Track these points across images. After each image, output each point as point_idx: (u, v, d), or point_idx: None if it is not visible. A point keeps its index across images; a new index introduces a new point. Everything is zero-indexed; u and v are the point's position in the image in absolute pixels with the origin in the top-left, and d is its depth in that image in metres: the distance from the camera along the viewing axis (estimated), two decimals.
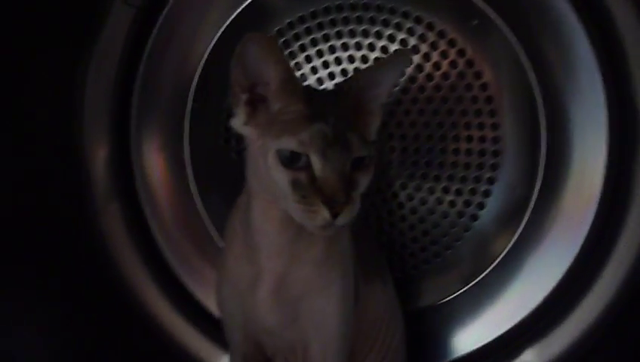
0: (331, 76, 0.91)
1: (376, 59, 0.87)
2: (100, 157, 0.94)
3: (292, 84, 0.56)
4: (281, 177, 0.54)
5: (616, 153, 0.83)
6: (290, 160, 0.54)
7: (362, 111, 0.58)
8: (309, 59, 0.91)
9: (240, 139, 0.95)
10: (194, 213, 0.97)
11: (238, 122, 0.58)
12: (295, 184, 0.53)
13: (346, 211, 0.52)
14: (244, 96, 0.57)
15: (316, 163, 0.53)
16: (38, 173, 0.86)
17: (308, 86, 0.84)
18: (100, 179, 0.95)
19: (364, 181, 0.55)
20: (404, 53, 0.72)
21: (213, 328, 0.96)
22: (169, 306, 0.95)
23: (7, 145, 0.81)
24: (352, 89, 0.58)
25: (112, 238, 0.94)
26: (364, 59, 0.89)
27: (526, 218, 0.89)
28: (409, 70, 0.87)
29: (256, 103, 0.57)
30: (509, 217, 0.90)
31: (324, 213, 0.52)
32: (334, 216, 0.52)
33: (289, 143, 0.53)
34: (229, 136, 0.96)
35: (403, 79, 0.86)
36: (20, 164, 0.82)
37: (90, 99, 0.93)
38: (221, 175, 0.96)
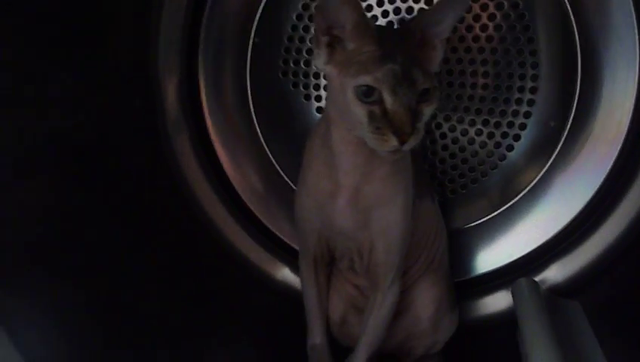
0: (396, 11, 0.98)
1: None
2: (171, 87, 1.04)
3: (364, 26, 0.65)
4: (358, 110, 0.64)
5: None
6: (365, 95, 0.63)
7: (426, 46, 0.67)
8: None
9: (295, 73, 1.04)
10: (254, 139, 1.07)
11: (319, 62, 0.67)
12: (370, 116, 0.63)
13: (412, 140, 0.62)
14: (324, 39, 0.66)
15: (388, 98, 0.63)
16: (116, 102, 0.95)
17: (378, 26, 0.92)
18: (172, 108, 1.04)
19: (428, 111, 0.65)
20: None
21: (271, 243, 1.08)
22: (234, 223, 1.07)
23: (91, 75, 0.89)
24: (417, 27, 0.67)
25: (183, 161, 1.05)
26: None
27: (557, 150, 0.99)
28: None
29: (334, 45, 0.66)
30: (542, 149, 1.00)
31: (394, 141, 0.62)
32: (402, 143, 0.62)
33: (366, 79, 0.63)
34: (286, 69, 1.05)
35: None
36: (99, 92, 0.91)
37: (163, 32, 1.01)
38: (278, 106, 1.06)
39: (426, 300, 0.83)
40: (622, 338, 0.84)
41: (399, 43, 0.64)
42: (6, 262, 0.61)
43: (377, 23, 0.97)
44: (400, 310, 0.82)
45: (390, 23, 0.97)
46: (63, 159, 0.73)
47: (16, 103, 0.66)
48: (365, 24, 0.64)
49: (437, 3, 0.83)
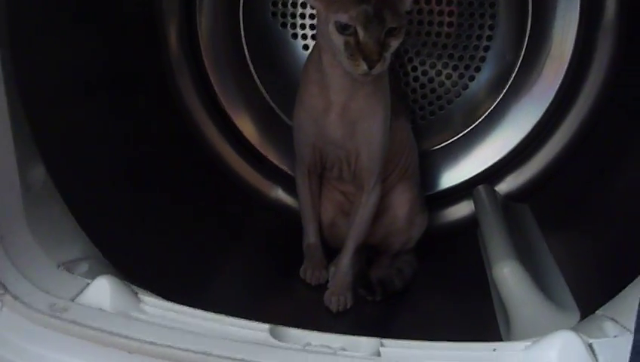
0: None
1: None
2: (172, 28, 1.16)
3: None
4: (336, 39, 0.79)
5: (583, 29, 1.09)
6: (343, 28, 0.78)
7: None
8: None
9: (284, 14, 1.18)
10: (247, 75, 1.21)
11: None
12: (346, 45, 0.78)
13: (378, 66, 0.77)
14: None
15: (360, 32, 0.78)
16: (127, 39, 1.07)
17: None
18: (173, 47, 1.17)
19: (394, 44, 0.80)
20: None
21: (265, 167, 1.23)
22: (232, 151, 1.22)
23: (103, 8, 1.00)
24: None
25: (185, 95, 1.18)
26: None
27: (511, 79, 1.16)
28: None
29: None
30: (498, 79, 1.17)
31: (364, 66, 0.77)
32: (370, 68, 0.77)
33: (342, 17, 0.77)
34: (275, 11, 1.18)
35: None
36: (111, 32, 1.01)
37: None
38: (268, 44, 1.19)
39: (402, 201, 1.00)
40: (560, 232, 1.03)
41: None
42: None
43: None
44: (380, 211, 0.99)
45: None
46: (96, 83, 0.86)
47: (59, 42, 0.79)
48: None
49: None
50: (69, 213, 0.67)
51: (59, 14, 0.79)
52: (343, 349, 0.55)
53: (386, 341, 0.55)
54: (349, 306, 0.92)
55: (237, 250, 1.09)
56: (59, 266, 0.60)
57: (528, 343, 0.55)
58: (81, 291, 0.57)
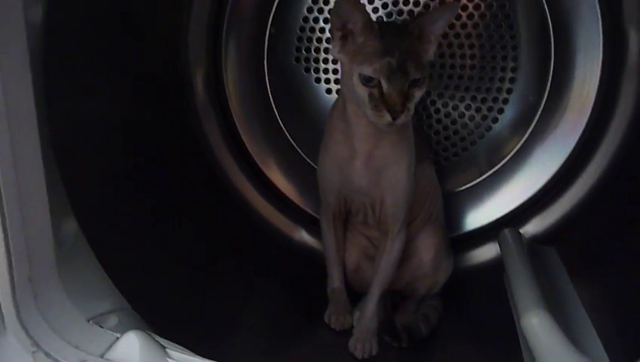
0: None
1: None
2: (199, 77, 1.18)
3: (370, 25, 0.80)
4: (361, 91, 0.80)
5: (606, 70, 1.08)
6: (367, 80, 0.79)
7: (423, 40, 0.83)
8: None
9: (307, 59, 1.20)
10: (272, 119, 1.23)
11: (334, 50, 0.83)
12: (370, 96, 0.80)
13: (402, 116, 0.78)
14: (338, 33, 0.82)
15: (384, 84, 0.79)
16: (155, 90, 1.10)
17: (382, 22, 1.07)
18: (200, 94, 1.20)
19: (417, 94, 0.81)
20: (455, 5, 0.97)
21: (289, 210, 1.24)
22: (257, 193, 1.23)
23: (133, 62, 1.03)
24: (416, 26, 0.82)
25: (212, 141, 1.21)
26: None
27: (535, 121, 1.16)
28: None
29: (346, 37, 0.82)
30: (522, 120, 1.17)
31: (388, 117, 0.78)
32: (394, 118, 0.78)
33: (367, 70, 0.79)
34: (299, 56, 1.20)
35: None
36: (144, 84, 1.05)
37: (192, 31, 1.16)
38: (292, 88, 1.21)
39: (428, 246, 1.00)
40: (589, 277, 1.01)
41: (399, 39, 0.80)
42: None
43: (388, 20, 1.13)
44: (406, 256, 0.98)
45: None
46: (127, 132, 0.88)
47: (92, 95, 0.82)
48: (371, 24, 0.80)
49: (434, 8, 1.00)
50: (99, 266, 0.68)
51: (91, 70, 0.82)
52: None
53: None
54: (374, 353, 0.92)
55: (261, 293, 1.09)
56: (89, 320, 0.61)
57: None
58: (110, 346, 0.58)
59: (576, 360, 0.75)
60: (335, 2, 0.80)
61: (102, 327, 0.62)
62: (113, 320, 0.65)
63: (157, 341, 0.60)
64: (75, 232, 0.67)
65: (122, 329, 0.62)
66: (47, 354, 0.54)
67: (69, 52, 0.72)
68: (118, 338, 0.60)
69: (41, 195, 0.59)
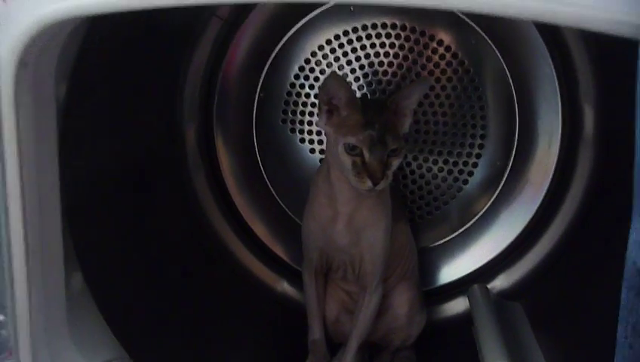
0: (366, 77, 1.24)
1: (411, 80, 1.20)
2: (191, 134, 1.26)
3: (353, 101, 0.90)
4: (345, 159, 0.89)
5: (565, 141, 1.20)
6: (351, 149, 0.89)
7: (399, 114, 0.94)
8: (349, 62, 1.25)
9: (293, 121, 1.29)
10: (259, 175, 1.31)
11: (321, 122, 0.92)
12: (353, 164, 0.89)
13: (382, 183, 0.87)
14: (325, 107, 0.91)
15: (366, 154, 0.88)
16: (150, 147, 1.17)
17: (363, 98, 1.16)
18: (192, 151, 1.27)
19: (395, 163, 0.90)
20: (427, 80, 1.08)
21: (273, 262, 1.31)
22: (242, 246, 1.30)
23: (130, 124, 1.10)
24: (393, 101, 0.93)
25: (201, 195, 1.28)
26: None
27: (502, 184, 1.26)
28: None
29: (332, 111, 0.92)
30: (490, 183, 1.27)
31: (369, 183, 0.87)
32: (375, 184, 0.87)
33: (351, 140, 0.88)
34: (285, 118, 1.30)
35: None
36: (141, 142, 1.11)
37: (187, 90, 1.24)
38: (278, 148, 1.30)
39: (403, 301, 1.07)
40: (551, 332, 1.09)
41: (378, 113, 0.90)
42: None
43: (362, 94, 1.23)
44: (382, 310, 1.06)
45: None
46: (121, 188, 0.95)
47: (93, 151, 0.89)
48: (354, 100, 0.90)
49: (407, 85, 1.10)
50: (101, 318, 0.74)
51: (96, 128, 0.89)
52: None
53: None
54: None
55: (244, 342, 1.14)
56: None
57: None
58: None
59: None
60: (323, 80, 0.90)
61: None
62: None
63: None
64: (81, 286, 0.73)
65: None
66: None
67: (83, 111, 0.79)
68: None
69: (58, 252, 0.65)
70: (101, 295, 0.75)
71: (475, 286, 1.15)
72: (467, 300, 1.17)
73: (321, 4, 1.17)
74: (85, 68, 0.71)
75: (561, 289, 1.17)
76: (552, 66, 1.18)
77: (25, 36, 0.52)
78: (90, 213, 0.82)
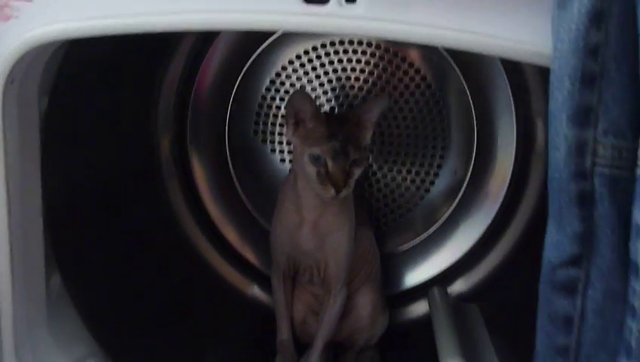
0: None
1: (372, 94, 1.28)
2: (165, 143, 1.32)
3: (318, 115, 0.97)
4: (309, 168, 0.96)
5: (520, 154, 1.28)
6: (315, 159, 0.95)
7: (360, 126, 1.00)
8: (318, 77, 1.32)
9: (264, 132, 1.35)
10: (230, 183, 1.37)
11: (288, 134, 0.98)
12: (318, 173, 0.95)
13: (344, 191, 0.94)
14: (291, 120, 0.98)
15: (329, 163, 0.94)
16: (126, 157, 1.22)
17: (326, 112, 1.23)
18: (165, 159, 1.32)
19: (357, 172, 0.97)
20: (386, 96, 1.16)
21: (244, 267, 1.37)
22: (214, 251, 1.35)
23: (107, 135, 1.15)
24: (355, 115, 1.00)
25: (174, 200, 1.33)
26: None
27: (461, 192, 1.34)
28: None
29: (298, 123, 0.98)
30: (451, 192, 1.34)
31: (332, 191, 0.94)
32: (337, 192, 0.94)
33: (315, 151, 0.94)
34: (257, 129, 1.36)
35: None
36: (114, 147, 1.15)
37: (160, 105, 1.29)
38: (250, 157, 1.36)
39: (365, 302, 1.14)
40: (505, 331, 1.17)
41: (341, 126, 0.97)
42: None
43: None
44: (346, 311, 1.12)
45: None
46: (98, 196, 1.00)
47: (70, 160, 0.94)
48: (319, 113, 0.97)
49: (368, 100, 1.18)
50: (77, 317, 0.79)
51: (80, 135, 0.94)
52: None
53: None
54: None
55: (215, 344, 1.19)
56: None
57: None
58: None
59: None
60: (290, 95, 0.97)
61: None
62: None
63: None
64: (59, 287, 0.78)
65: None
66: None
67: (63, 123, 0.84)
68: None
69: (39, 255, 0.70)
70: (78, 295, 0.80)
71: (435, 288, 1.22)
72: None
73: (272, 34, 1.24)
74: (64, 83, 0.76)
75: (514, 291, 1.25)
76: (507, 82, 1.26)
77: (13, 55, 0.57)
78: (68, 218, 0.86)
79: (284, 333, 1.12)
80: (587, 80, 0.48)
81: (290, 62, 1.28)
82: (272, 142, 1.34)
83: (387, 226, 1.35)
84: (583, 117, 0.49)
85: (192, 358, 1.08)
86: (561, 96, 0.49)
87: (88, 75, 0.85)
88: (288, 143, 1.32)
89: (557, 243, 0.51)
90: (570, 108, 0.49)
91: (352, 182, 0.94)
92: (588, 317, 0.50)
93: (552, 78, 0.51)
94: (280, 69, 1.29)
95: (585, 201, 0.49)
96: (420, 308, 1.33)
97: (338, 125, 0.95)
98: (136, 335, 0.92)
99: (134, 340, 0.90)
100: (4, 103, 0.59)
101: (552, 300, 0.52)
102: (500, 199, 1.31)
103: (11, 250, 0.62)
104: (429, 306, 1.20)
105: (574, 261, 0.50)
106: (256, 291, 1.35)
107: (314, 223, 1.01)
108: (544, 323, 0.53)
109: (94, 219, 0.94)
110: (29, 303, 0.68)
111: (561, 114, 0.49)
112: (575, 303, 0.50)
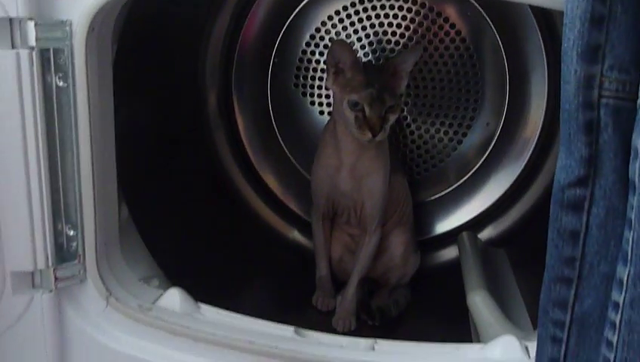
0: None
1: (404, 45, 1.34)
2: (212, 96, 1.41)
3: (357, 64, 1.04)
4: (348, 114, 1.03)
5: (550, 106, 1.33)
6: (354, 105, 1.02)
7: (396, 76, 1.07)
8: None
9: (304, 85, 1.43)
10: (272, 134, 1.45)
11: (329, 82, 1.06)
12: (356, 118, 1.02)
13: (380, 135, 1.01)
14: (332, 70, 1.05)
15: (366, 109, 1.02)
16: (175, 106, 1.31)
17: (365, 62, 1.29)
18: (212, 113, 1.42)
19: (392, 118, 1.04)
20: (420, 47, 1.22)
21: (285, 212, 1.46)
22: (257, 198, 1.45)
23: (161, 87, 1.24)
24: (391, 65, 1.06)
25: (221, 153, 1.43)
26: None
27: (493, 143, 1.40)
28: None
29: (338, 73, 1.05)
30: (483, 143, 1.40)
31: (369, 135, 1.01)
32: (374, 136, 1.01)
33: (354, 97, 1.02)
34: (297, 82, 1.43)
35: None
36: (169, 102, 1.27)
37: (208, 60, 1.38)
38: (291, 109, 1.44)
39: (398, 243, 1.22)
40: (529, 273, 1.24)
41: (377, 74, 1.04)
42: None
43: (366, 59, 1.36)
44: (380, 250, 1.21)
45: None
46: (157, 141, 1.10)
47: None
48: (357, 63, 1.04)
49: (403, 51, 1.24)
50: (142, 243, 0.90)
51: (134, 87, 1.04)
52: (344, 346, 0.76)
53: (379, 340, 0.77)
54: (352, 328, 1.12)
55: (260, 282, 1.30)
56: (140, 280, 0.83)
57: (483, 345, 0.76)
58: (158, 298, 0.80)
59: (507, 329, 0.97)
60: (331, 46, 1.04)
61: (149, 285, 0.84)
62: (155, 281, 0.86)
63: (190, 296, 0.82)
64: (127, 216, 0.88)
65: (163, 287, 0.83)
66: (117, 299, 0.76)
67: (128, 72, 0.94)
68: (162, 293, 0.82)
69: (113, 184, 0.81)
70: (142, 225, 0.91)
71: (464, 233, 1.30)
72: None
73: None
74: (130, 33, 0.85)
75: (540, 237, 1.31)
76: (540, 36, 1.30)
77: (95, 6, 0.66)
78: (133, 158, 0.97)
79: (322, 270, 1.22)
80: (596, 21, 0.54)
81: (330, 18, 1.35)
82: (312, 95, 1.41)
83: (420, 176, 1.42)
84: (591, 54, 0.55)
85: (240, 288, 1.19)
86: (572, 35, 0.55)
87: (148, 29, 0.94)
88: (327, 96, 1.40)
89: (566, 167, 0.57)
90: (580, 46, 0.55)
91: (387, 126, 1.01)
92: (592, 231, 0.57)
93: (565, 19, 0.57)
94: (320, 24, 1.35)
95: (591, 129, 0.55)
96: (450, 252, 1.41)
97: (375, 74, 1.02)
98: (190, 262, 1.02)
99: (189, 266, 1.01)
100: (87, 48, 0.68)
101: (560, 217, 0.59)
102: (530, 150, 1.37)
103: (93, 180, 0.72)
104: (459, 249, 1.28)
105: (581, 182, 0.57)
106: (296, 235, 1.45)
107: (352, 166, 1.09)
108: (553, 237, 0.60)
109: (154, 160, 1.04)
110: (105, 224, 0.78)
111: (572, 51, 0.55)
112: (581, 219, 0.57)
